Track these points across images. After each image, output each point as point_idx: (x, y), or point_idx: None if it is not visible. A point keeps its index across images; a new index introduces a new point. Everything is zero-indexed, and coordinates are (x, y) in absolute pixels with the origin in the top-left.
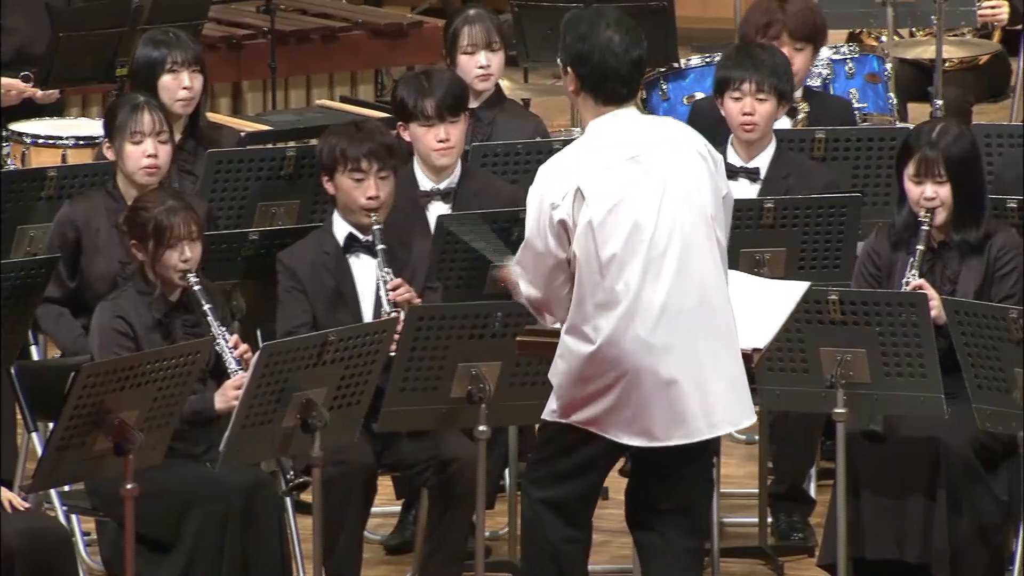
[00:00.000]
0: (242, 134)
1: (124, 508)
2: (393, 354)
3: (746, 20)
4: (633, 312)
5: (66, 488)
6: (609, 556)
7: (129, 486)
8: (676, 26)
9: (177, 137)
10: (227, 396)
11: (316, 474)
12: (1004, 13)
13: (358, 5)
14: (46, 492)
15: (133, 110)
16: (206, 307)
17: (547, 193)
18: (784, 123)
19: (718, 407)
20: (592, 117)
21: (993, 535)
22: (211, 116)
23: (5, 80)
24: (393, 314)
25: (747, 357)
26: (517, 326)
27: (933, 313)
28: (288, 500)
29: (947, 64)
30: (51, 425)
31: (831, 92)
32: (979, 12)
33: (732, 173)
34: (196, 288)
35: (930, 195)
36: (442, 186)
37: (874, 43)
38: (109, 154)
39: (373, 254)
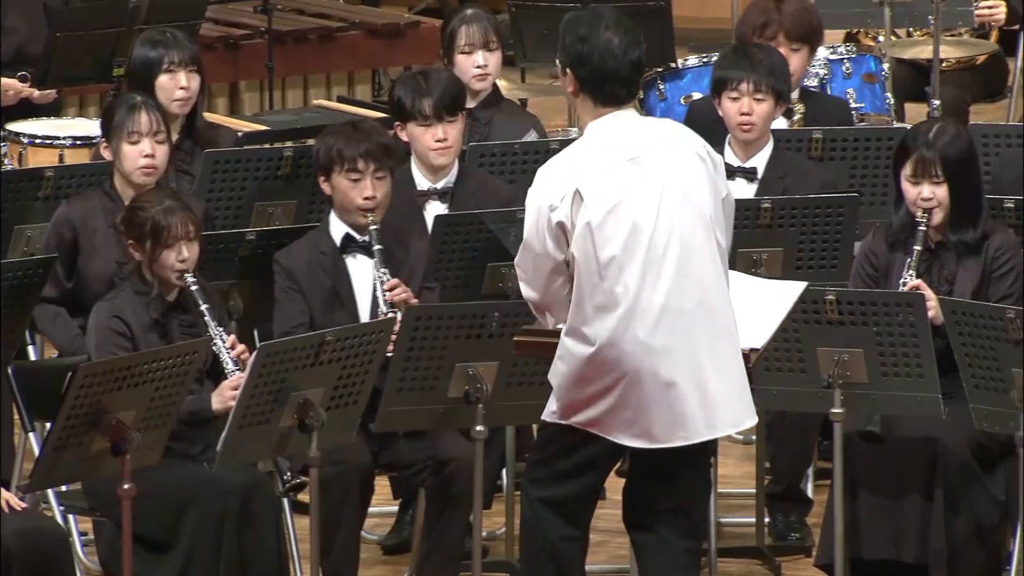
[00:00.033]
0: (239, 134)
1: (121, 508)
2: (390, 354)
3: (743, 21)
4: (632, 314)
5: (63, 488)
6: (606, 556)
7: (126, 486)
8: (673, 26)
9: (174, 137)
10: (224, 396)
11: (313, 474)
12: (1001, 13)
13: (355, 5)
14: (43, 492)
15: (130, 110)
16: (203, 307)
17: (546, 195)
18: (780, 123)
19: (718, 408)
20: (591, 119)
21: (990, 535)
22: (208, 116)
23: (3, 80)
24: (390, 314)
25: (744, 357)
26: (514, 326)
27: (930, 313)
28: (285, 500)
29: (944, 64)
30: (48, 425)
31: (828, 92)
32: (976, 12)
33: (730, 173)
34: (193, 288)
35: (927, 195)
36: (439, 186)
37: (871, 43)
38: (106, 154)
39: (370, 254)
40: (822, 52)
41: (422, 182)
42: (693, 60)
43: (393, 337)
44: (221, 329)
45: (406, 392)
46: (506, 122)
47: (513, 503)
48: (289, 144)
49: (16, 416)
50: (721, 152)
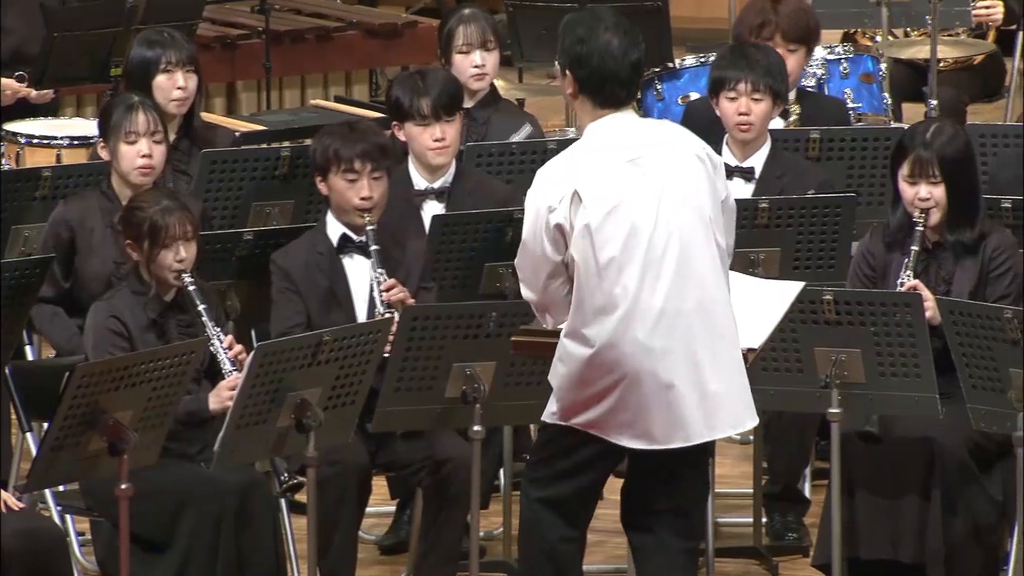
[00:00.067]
0: (237, 134)
1: (118, 508)
2: (387, 355)
3: (739, 21)
4: (632, 315)
5: (60, 488)
6: (604, 556)
7: (124, 486)
8: (671, 26)
9: (171, 137)
10: (221, 397)
11: (311, 474)
12: (998, 13)
13: (352, 5)
14: (40, 492)
15: (128, 110)
16: (201, 307)
17: (544, 196)
18: (776, 124)
19: (718, 409)
20: (590, 120)
21: (988, 535)
22: (205, 116)
23: (0, 80)
24: (387, 315)
25: (743, 357)
26: (512, 326)
27: (928, 314)
28: (283, 500)
29: (942, 64)
30: (45, 425)
31: (826, 92)
32: (973, 12)
33: (727, 173)
34: (191, 288)
35: (924, 196)
36: (436, 185)
37: (869, 43)
38: (104, 154)
39: (367, 255)
40: (819, 52)
41: (419, 181)
42: (690, 60)
43: (390, 338)
44: (218, 329)
45: (403, 392)
46: (504, 122)
47: (511, 503)
48: (286, 144)
49: (13, 416)
50: (719, 152)
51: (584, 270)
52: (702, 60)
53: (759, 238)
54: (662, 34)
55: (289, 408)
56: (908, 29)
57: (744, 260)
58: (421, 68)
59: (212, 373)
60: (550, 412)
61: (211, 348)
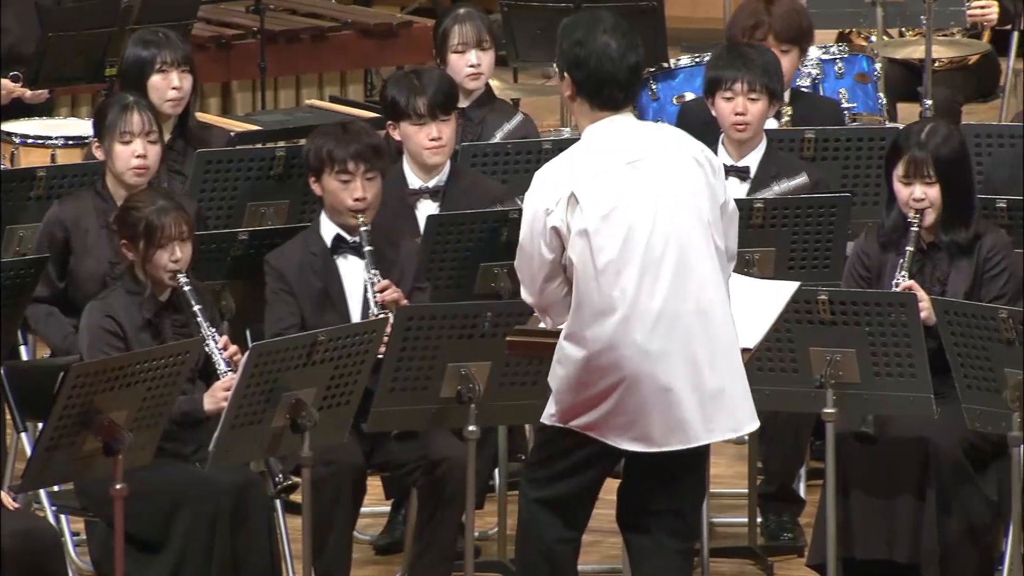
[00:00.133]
0: (231, 134)
1: (113, 508)
2: (381, 356)
3: (733, 22)
4: (630, 318)
5: (55, 488)
6: (599, 556)
7: (118, 486)
8: (665, 26)
9: (166, 137)
10: (216, 397)
11: (306, 474)
12: (993, 13)
13: (347, 5)
14: (35, 492)
15: (123, 110)
16: (196, 308)
17: (541, 198)
18: (768, 124)
19: (717, 412)
20: (588, 122)
21: (983, 535)
22: (200, 116)
23: None
24: (381, 315)
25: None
26: (507, 326)
27: (923, 314)
28: (278, 500)
29: (936, 64)
30: (40, 425)
31: (821, 92)
32: (968, 12)
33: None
34: (186, 288)
35: (919, 196)
36: (431, 184)
37: (863, 43)
38: (98, 154)
39: (361, 255)
40: (814, 52)
41: (414, 181)
42: (685, 60)
43: (385, 339)
44: (213, 330)
45: (398, 392)
46: (499, 122)
47: (506, 503)
48: (281, 144)
49: (8, 416)
50: (714, 152)
51: (582, 273)
52: (697, 60)
53: (754, 238)
54: (657, 34)
55: (284, 408)
56: (903, 29)
57: (739, 260)
58: (416, 67)
59: (207, 373)
60: (549, 414)
61: (206, 348)
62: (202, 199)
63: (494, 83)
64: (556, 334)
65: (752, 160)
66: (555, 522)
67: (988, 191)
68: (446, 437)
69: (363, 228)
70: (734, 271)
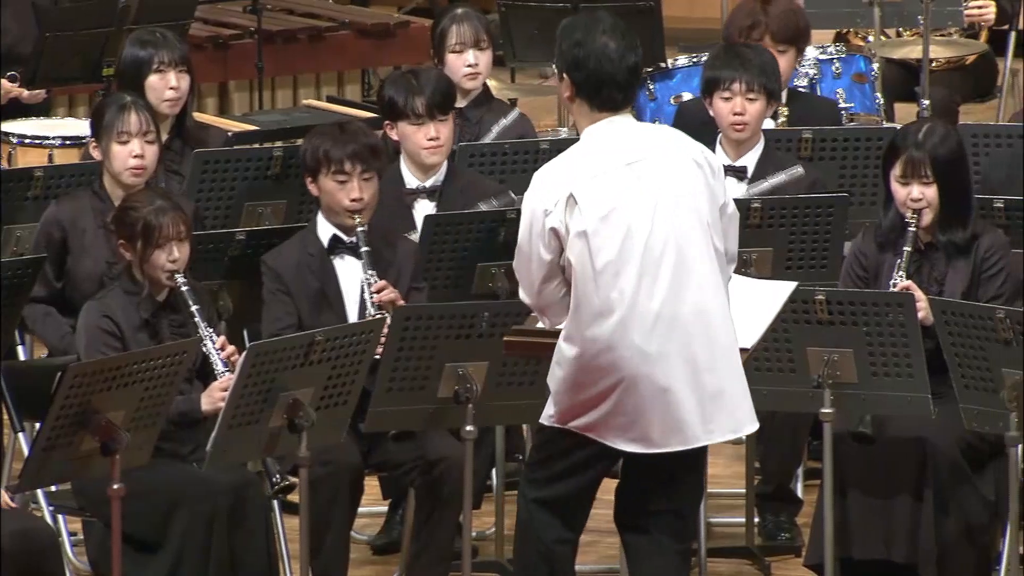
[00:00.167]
0: (229, 134)
1: (111, 508)
2: (378, 357)
3: (729, 22)
4: (628, 319)
5: (53, 488)
6: (597, 556)
7: (116, 486)
8: (663, 26)
9: (164, 137)
10: (214, 398)
11: (303, 474)
12: (991, 13)
13: (345, 5)
14: (33, 492)
15: (120, 110)
16: (193, 308)
17: (540, 199)
18: (765, 124)
19: (717, 414)
20: (587, 124)
21: (980, 535)
22: (198, 116)
23: None
24: (378, 316)
25: None
26: (504, 326)
27: (920, 314)
28: (275, 500)
29: (934, 64)
30: (38, 425)
31: (818, 92)
32: (966, 12)
33: None
34: (184, 289)
35: (916, 196)
36: (428, 184)
37: (861, 43)
38: (96, 154)
39: (358, 256)
40: (812, 52)
41: (411, 180)
42: (683, 60)
43: (382, 340)
44: (211, 330)
45: (396, 392)
46: (496, 122)
47: (503, 503)
48: (279, 144)
49: (5, 416)
50: (712, 151)
51: (581, 274)
52: (694, 60)
53: (751, 238)
54: (654, 34)
55: (281, 408)
56: (900, 29)
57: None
58: (414, 67)
59: (204, 373)
60: (548, 415)
61: (203, 348)
62: (199, 199)
63: (491, 83)
64: (554, 334)
65: (749, 160)
66: (554, 522)
67: (985, 191)
68: (443, 437)
69: (360, 228)
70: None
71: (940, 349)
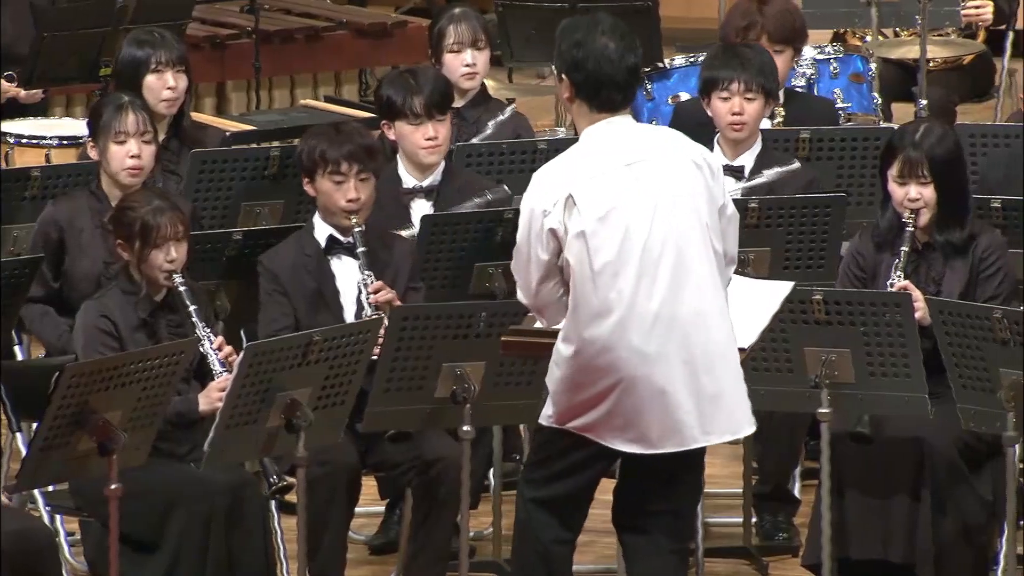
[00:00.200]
0: (226, 134)
1: (108, 508)
2: (375, 358)
3: (725, 23)
4: (627, 320)
5: (50, 488)
6: (594, 556)
7: (113, 486)
8: (660, 26)
9: (161, 137)
10: (211, 398)
11: (300, 474)
12: (988, 13)
13: (342, 5)
14: (30, 492)
15: (117, 110)
16: (191, 308)
17: (539, 199)
18: (762, 124)
19: (715, 415)
20: (586, 124)
21: (977, 535)
22: (195, 116)
23: None
24: (375, 316)
25: None
26: (501, 326)
27: (918, 315)
28: (272, 500)
29: (931, 64)
30: (35, 425)
31: (815, 92)
32: (963, 12)
33: None
34: (181, 289)
35: (914, 196)
36: (425, 183)
37: (858, 43)
38: (93, 154)
39: (354, 256)
40: (809, 52)
41: (408, 180)
42: (680, 60)
43: (379, 340)
44: (209, 330)
45: (393, 392)
46: (495, 129)
47: (500, 503)
48: (276, 144)
49: (3, 416)
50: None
51: (579, 274)
52: (692, 60)
53: (749, 237)
54: (652, 34)
55: (279, 408)
56: (898, 29)
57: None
58: (411, 67)
59: (202, 374)
60: (546, 415)
61: (201, 349)
62: (197, 199)
63: (489, 83)
64: (551, 334)
65: (747, 160)
66: (552, 522)
67: (983, 191)
68: (441, 437)
69: (356, 229)
70: None
71: (937, 349)
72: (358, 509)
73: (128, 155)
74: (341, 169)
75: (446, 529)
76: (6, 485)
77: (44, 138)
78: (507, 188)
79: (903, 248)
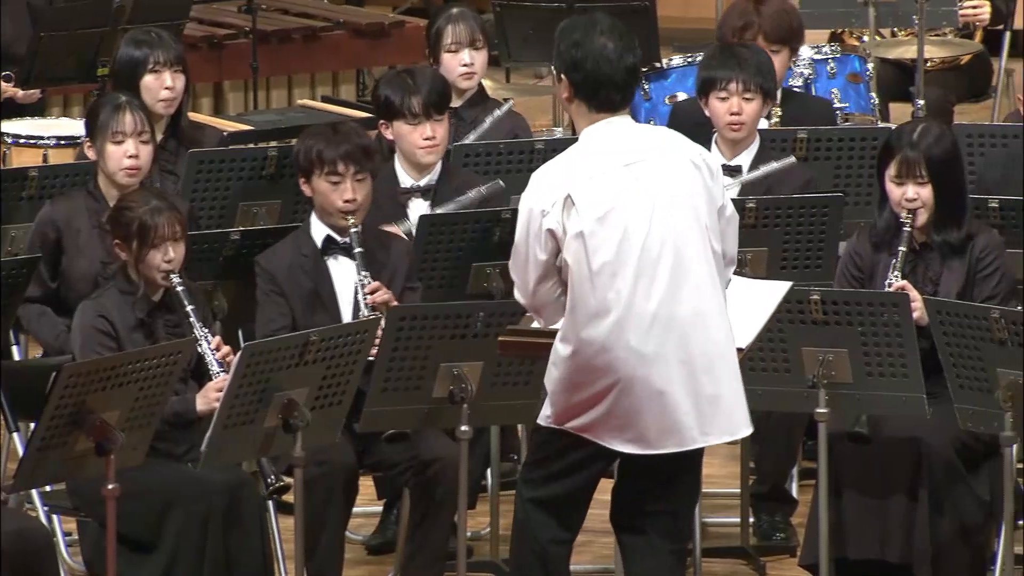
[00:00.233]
0: (224, 134)
1: (105, 508)
2: (372, 359)
3: (722, 23)
4: (625, 321)
5: (47, 488)
6: (592, 556)
7: (110, 486)
8: (658, 26)
9: (159, 137)
10: (209, 398)
11: (298, 474)
12: (986, 13)
13: (339, 5)
14: (27, 492)
15: (115, 110)
16: (189, 308)
17: (538, 199)
18: (759, 124)
19: (713, 416)
20: (586, 124)
21: (975, 535)
22: (193, 116)
23: None
24: (372, 317)
25: None
26: (499, 326)
27: (916, 314)
28: (270, 500)
29: (929, 64)
30: (32, 425)
31: (813, 92)
32: (961, 12)
33: None
34: (179, 289)
35: (911, 196)
36: (422, 183)
37: (856, 43)
38: (90, 154)
39: (351, 256)
40: (807, 52)
41: (405, 179)
42: (678, 60)
43: (376, 341)
44: (206, 330)
45: (390, 392)
46: (492, 125)
47: (498, 503)
48: (273, 144)
49: (0, 416)
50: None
51: (577, 274)
52: (689, 60)
53: (746, 237)
54: (649, 34)
55: (276, 408)
56: (895, 29)
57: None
58: (409, 67)
59: (199, 374)
60: (545, 415)
61: (198, 349)
62: (194, 199)
63: (486, 83)
64: (549, 334)
65: (744, 160)
66: (550, 522)
67: (980, 191)
68: (438, 437)
69: (353, 230)
70: None
71: (935, 349)
72: (355, 509)
73: (125, 155)
74: (338, 169)
75: (443, 529)
76: (4, 485)
77: (41, 138)
78: (501, 182)
79: (901, 248)
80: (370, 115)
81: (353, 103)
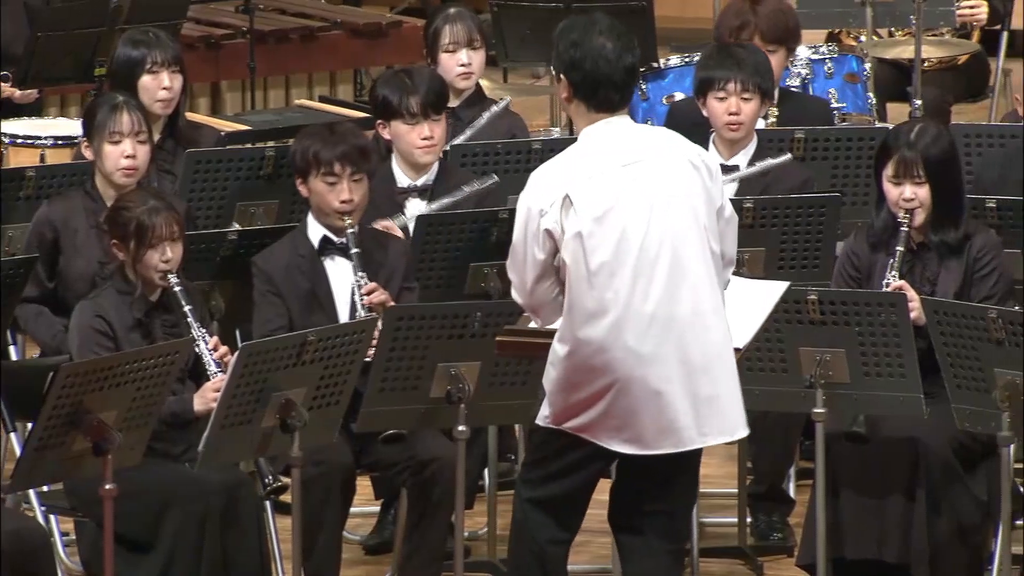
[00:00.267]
0: (221, 134)
1: (103, 508)
2: (369, 359)
3: (719, 23)
4: (623, 321)
5: (44, 488)
6: (589, 556)
7: (108, 486)
8: (655, 26)
9: (156, 137)
10: (206, 398)
11: (295, 474)
12: (983, 13)
13: (337, 5)
14: (24, 492)
15: (112, 110)
16: (186, 308)
17: (536, 199)
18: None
19: (711, 416)
20: (585, 124)
21: (972, 535)
22: (190, 116)
23: None
24: (368, 317)
25: None
26: (497, 326)
27: (913, 314)
28: (267, 500)
29: (926, 64)
30: (29, 425)
31: (810, 92)
32: (958, 12)
33: None
34: (176, 289)
35: (909, 196)
36: (419, 183)
37: (853, 43)
38: (88, 154)
39: (348, 257)
40: (804, 52)
41: (402, 179)
42: (675, 60)
43: (374, 341)
44: (204, 330)
45: (388, 392)
46: (489, 122)
47: (495, 503)
48: (271, 144)
49: None
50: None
51: (575, 274)
52: (687, 60)
53: (743, 238)
54: (647, 34)
55: (274, 408)
56: (892, 29)
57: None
58: (406, 67)
59: (197, 374)
60: (543, 415)
61: (196, 349)
62: (192, 199)
63: (484, 83)
64: (546, 334)
65: (742, 159)
66: (548, 522)
67: (978, 191)
68: (435, 437)
69: (350, 230)
70: None
71: (932, 349)
72: (353, 509)
73: (123, 155)
74: (334, 170)
75: (441, 529)
76: (1, 485)
77: (39, 138)
78: (495, 176)
79: (898, 248)
80: (368, 115)
81: (351, 103)
